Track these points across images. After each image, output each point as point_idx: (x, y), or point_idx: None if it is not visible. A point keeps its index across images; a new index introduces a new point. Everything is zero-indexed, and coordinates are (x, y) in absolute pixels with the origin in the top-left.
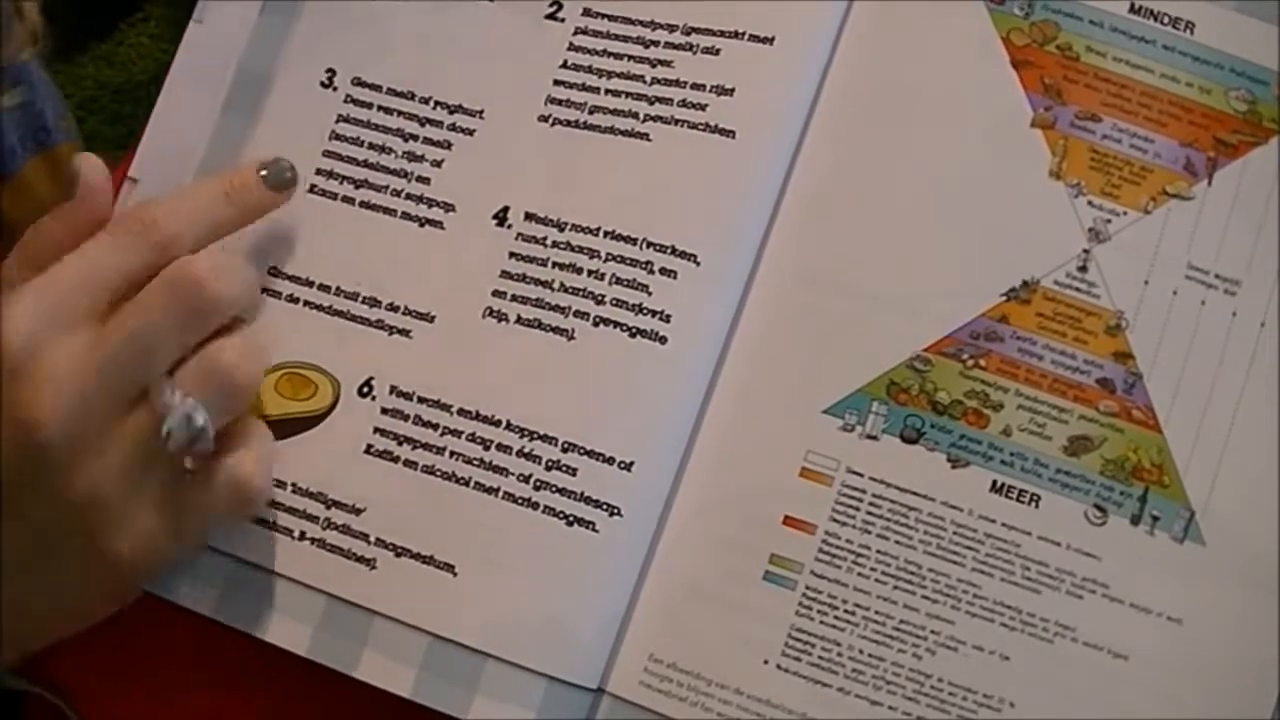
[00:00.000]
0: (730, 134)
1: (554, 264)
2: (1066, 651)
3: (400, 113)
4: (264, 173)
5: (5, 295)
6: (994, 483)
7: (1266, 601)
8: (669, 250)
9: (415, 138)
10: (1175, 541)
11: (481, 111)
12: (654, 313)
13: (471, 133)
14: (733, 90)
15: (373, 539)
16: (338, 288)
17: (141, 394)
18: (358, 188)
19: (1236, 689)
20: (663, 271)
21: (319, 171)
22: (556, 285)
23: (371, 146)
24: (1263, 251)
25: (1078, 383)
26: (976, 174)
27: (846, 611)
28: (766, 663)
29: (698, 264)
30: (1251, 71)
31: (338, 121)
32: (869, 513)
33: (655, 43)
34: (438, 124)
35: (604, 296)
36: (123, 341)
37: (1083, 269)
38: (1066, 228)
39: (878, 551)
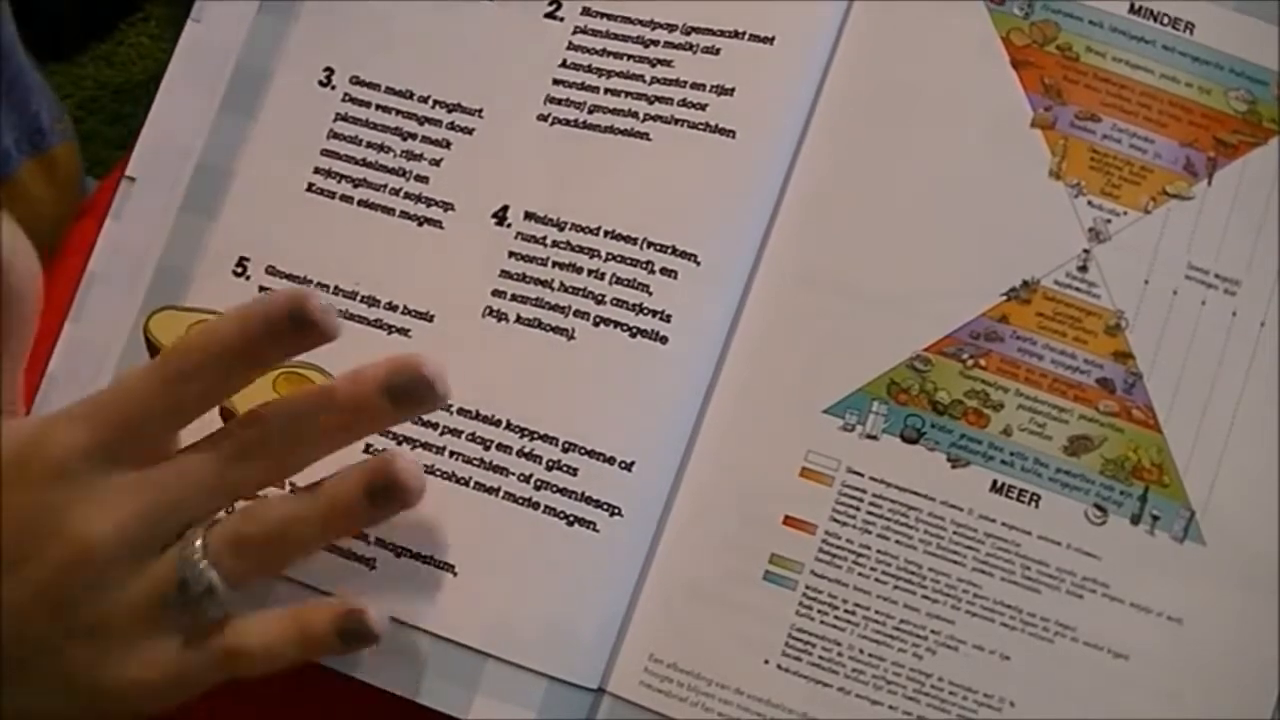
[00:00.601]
0: (730, 134)
1: (554, 263)
2: (1067, 651)
3: (399, 111)
4: (290, 314)
5: (58, 414)
6: (994, 482)
7: (1267, 601)
8: (669, 250)
9: (414, 136)
10: (1175, 541)
11: (480, 110)
12: (654, 312)
13: (470, 131)
14: (733, 90)
15: (372, 539)
16: (336, 287)
17: (168, 544)
18: (356, 186)
19: (1237, 688)
20: (663, 271)
21: (317, 170)
22: (556, 285)
23: (370, 145)
24: (1263, 251)
25: (1078, 382)
26: (976, 174)
27: (847, 611)
28: (767, 663)
29: (698, 264)
30: (1251, 72)
31: (336, 120)
32: (869, 512)
33: (655, 42)
34: (436, 123)
35: (604, 296)
36: (170, 492)
37: (1083, 269)
38: (1066, 227)
39: (878, 551)
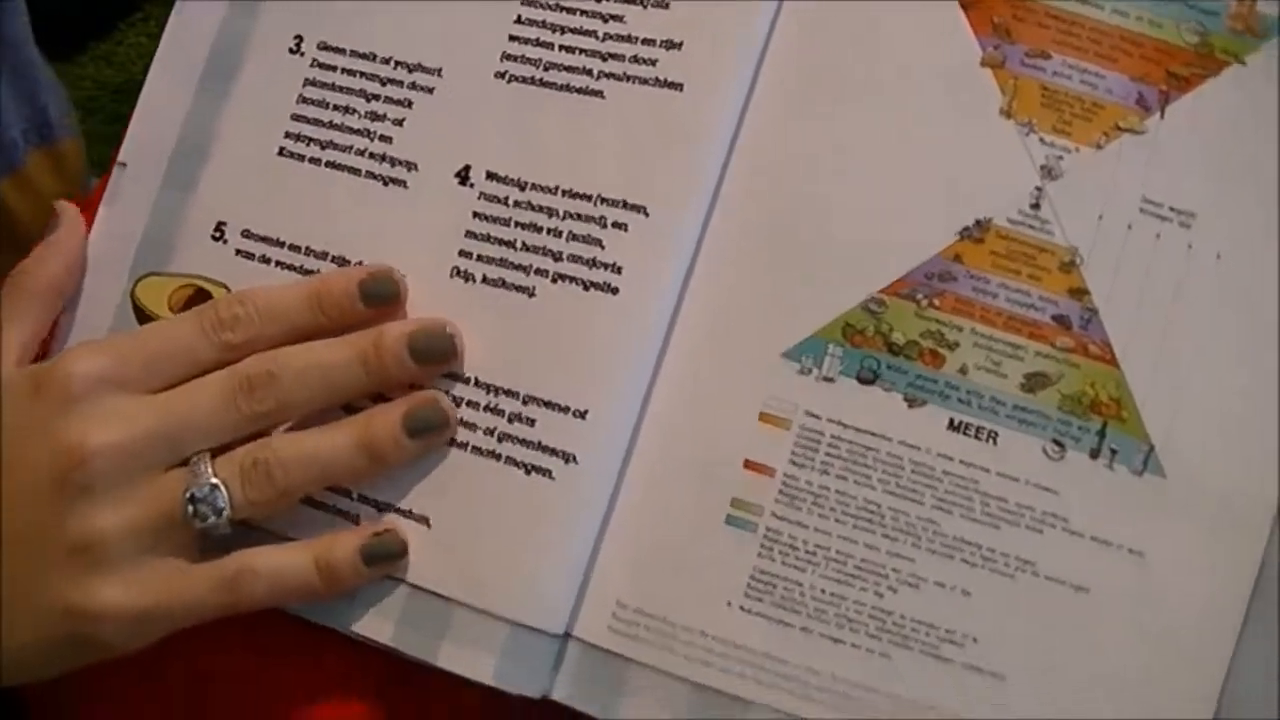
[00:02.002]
0: (678, 87)
1: (516, 224)
2: (1028, 586)
3: (363, 74)
4: (362, 285)
5: (83, 343)
6: (951, 421)
7: (1228, 533)
8: (620, 204)
9: (377, 97)
10: (1135, 475)
11: (440, 70)
12: (606, 265)
13: (431, 91)
14: (681, 44)
15: (355, 495)
16: (307, 248)
17: (176, 464)
18: (324, 149)
19: (1199, 620)
20: (614, 225)
21: (288, 135)
22: (519, 245)
23: (336, 108)
24: (1218, 183)
25: (1033, 320)
26: (927, 115)
27: (808, 552)
28: (730, 604)
29: (647, 215)
30: (1203, 4)
31: (305, 86)
32: (828, 454)
33: None
34: (398, 83)
35: (561, 253)
36: (175, 414)
37: (1035, 206)
38: (1018, 166)
39: (837, 492)
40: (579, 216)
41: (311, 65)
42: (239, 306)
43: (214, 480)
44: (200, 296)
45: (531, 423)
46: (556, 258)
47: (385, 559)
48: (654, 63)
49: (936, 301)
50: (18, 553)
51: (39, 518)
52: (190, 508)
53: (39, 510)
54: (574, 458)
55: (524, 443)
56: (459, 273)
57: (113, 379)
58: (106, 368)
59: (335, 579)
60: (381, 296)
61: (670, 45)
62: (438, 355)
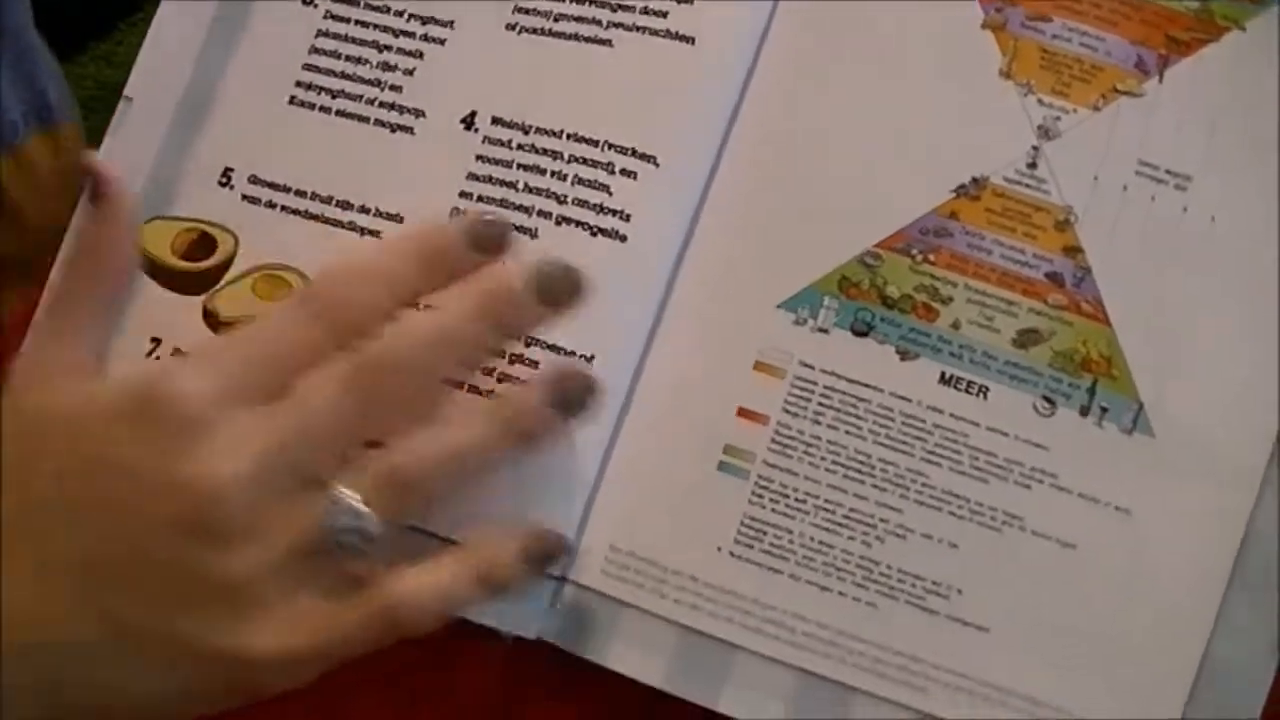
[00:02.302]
0: (690, 40)
1: (519, 165)
2: (1015, 540)
3: (376, 26)
4: (468, 231)
5: (177, 360)
6: (943, 374)
7: (1215, 492)
8: (629, 152)
9: (389, 49)
10: (1124, 433)
11: (452, 22)
12: (614, 212)
13: (442, 42)
14: None
15: None
16: (313, 193)
17: (309, 483)
18: (335, 98)
19: (1185, 578)
20: (623, 172)
21: (299, 84)
22: (521, 186)
23: (349, 59)
24: (1215, 147)
25: (1027, 277)
26: (928, 75)
27: (797, 500)
28: (720, 550)
29: (657, 165)
30: None
31: (317, 36)
32: (820, 404)
33: None
34: (410, 35)
35: (566, 196)
36: (304, 425)
37: (1032, 165)
38: (1016, 126)
39: (828, 442)
40: (585, 161)
41: (325, 17)
42: (343, 284)
43: (358, 507)
44: (204, 240)
45: (535, 366)
46: (560, 200)
47: (546, 559)
48: (665, 15)
49: (931, 257)
50: (148, 598)
51: (170, 559)
52: (336, 539)
53: (169, 551)
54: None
55: None
56: (458, 213)
57: (226, 395)
58: (217, 384)
59: (498, 590)
60: (491, 240)
61: None
62: (566, 293)
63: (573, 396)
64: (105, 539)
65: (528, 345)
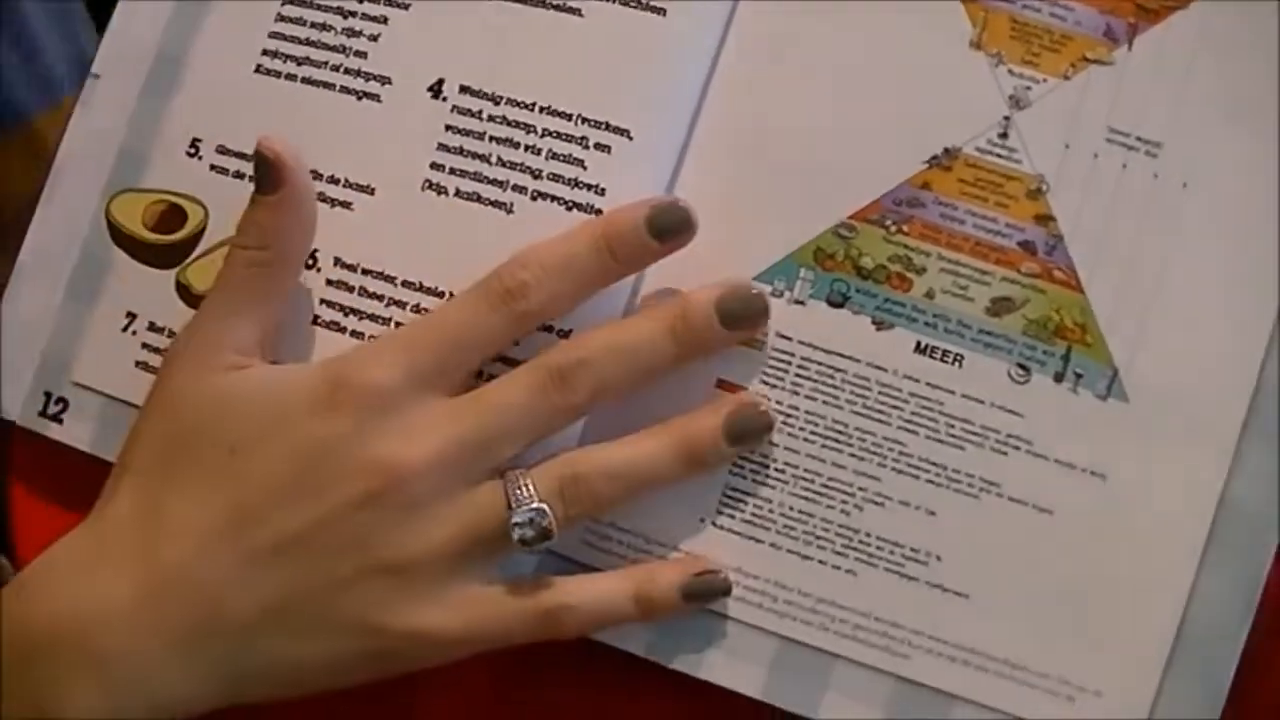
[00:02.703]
0: (661, 11)
1: (491, 138)
2: (992, 506)
3: None
4: (648, 215)
5: (368, 344)
6: (918, 343)
7: (1190, 457)
8: (603, 126)
9: (354, 14)
10: (1099, 399)
11: None
12: (589, 186)
13: (407, 8)
14: None
15: None
16: None
17: (492, 474)
18: (300, 65)
19: (1160, 543)
20: (597, 146)
21: (265, 53)
22: (494, 159)
23: (314, 25)
24: (1185, 114)
25: (1000, 246)
26: (898, 47)
27: (777, 470)
28: (702, 520)
29: (630, 139)
30: None
31: (283, 4)
32: (798, 375)
33: None
34: (375, 0)
35: (541, 171)
36: (488, 417)
37: (1003, 135)
38: (987, 96)
39: (806, 412)
40: (559, 135)
41: None
42: (523, 271)
43: (540, 505)
44: (174, 212)
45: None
46: (535, 175)
47: (708, 597)
48: None
49: (905, 227)
50: (322, 568)
51: (353, 534)
52: (516, 531)
53: (353, 526)
54: None
55: (508, 361)
56: (431, 185)
57: (415, 380)
58: (406, 370)
59: (652, 614)
60: (673, 228)
61: None
62: (750, 317)
63: (748, 431)
64: (296, 512)
65: None
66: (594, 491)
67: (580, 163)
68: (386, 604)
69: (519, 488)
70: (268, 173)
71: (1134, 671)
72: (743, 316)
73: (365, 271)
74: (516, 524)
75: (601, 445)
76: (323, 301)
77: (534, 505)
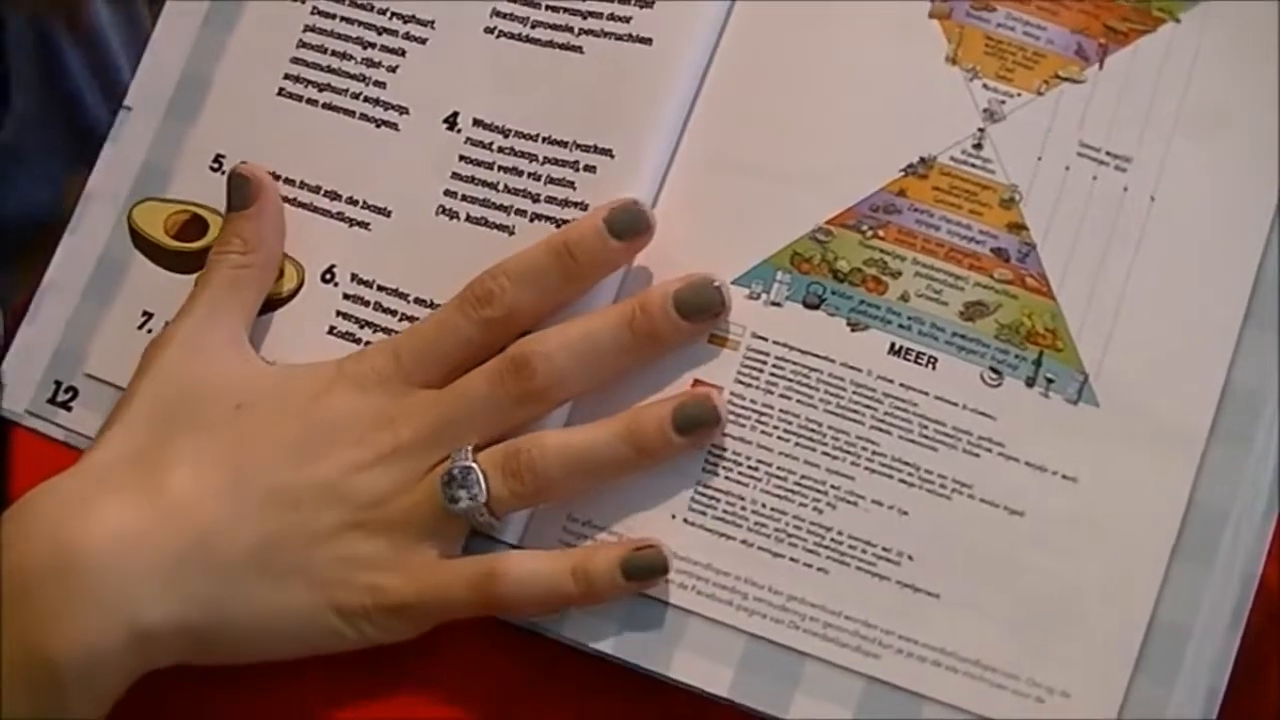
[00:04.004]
0: (648, 41)
1: (499, 167)
2: (964, 507)
3: (360, 23)
4: (606, 218)
5: (383, 341)
6: (892, 345)
7: (1159, 460)
8: (590, 148)
9: (373, 45)
10: (1069, 403)
11: (433, 22)
12: (576, 204)
13: (424, 42)
14: (653, 3)
15: None
16: (302, 181)
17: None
18: (321, 91)
19: (1130, 545)
20: (585, 168)
21: (287, 76)
22: (501, 186)
23: (334, 54)
24: (1153, 131)
25: (973, 251)
26: (877, 62)
27: (750, 468)
28: (674, 517)
29: (613, 157)
30: None
31: (305, 32)
32: (773, 374)
33: None
34: (393, 33)
35: (539, 195)
36: (454, 404)
37: (978, 146)
38: (962, 109)
39: (780, 411)
40: (555, 161)
41: (312, 13)
42: (490, 280)
43: (468, 462)
44: (195, 222)
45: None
46: (534, 199)
47: (647, 574)
48: (628, 20)
49: (880, 232)
50: (306, 520)
51: (336, 495)
52: (446, 491)
53: (337, 489)
54: None
55: None
56: (444, 211)
57: (400, 375)
58: (394, 366)
59: (592, 591)
60: (631, 228)
61: (643, 4)
62: (706, 309)
63: (695, 421)
64: (295, 468)
65: None
66: (534, 466)
67: (571, 184)
68: (355, 560)
69: (458, 462)
70: (246, 189)
71: (1102, 673)
72: (699, 307)
73: (381, 288)
74: (446, 481)
75: (552, 430)
76: (339, 314)
77: (463, 464)
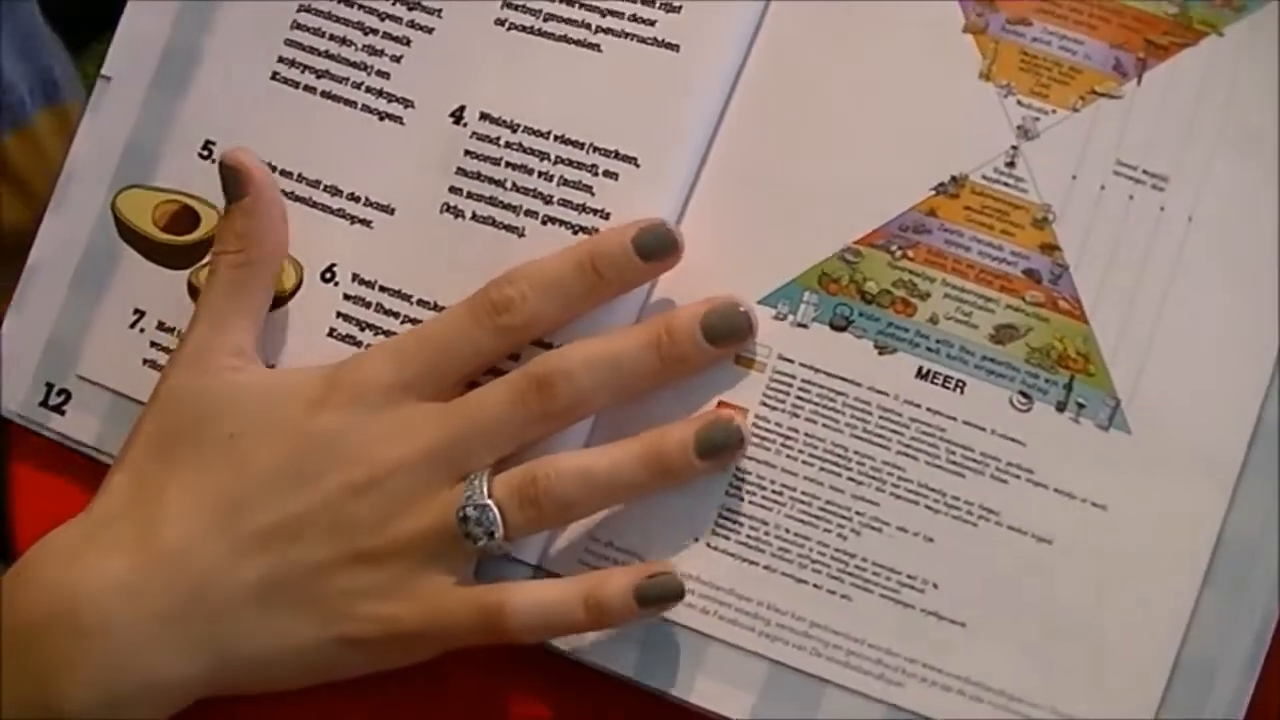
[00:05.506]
0: (675, 48)
1: (507, 164)
2: (990, 534)
3: (361, 6)
4: (635, 237)
5: (373, 348)
6: (920, 369)
7: (1190, 489)
8: (612, 154)
9: (375, 32)
10: (1100, 429)
11: (440, 11)
12: (595, 211)
13: (430, 31)
14: (679, 8)
15: None
16: (300, 174)
17: (463, 477)
18: (319, 78)
19: (1160, 575)
20: (605, 174)
21: (281, 60)
22: (509, 184)
23: (332, 39)
24: (1192, 149)
25: (1004, 273)
26: (909, 78)
27: (774, 492)
28: (697, 540)
29: (638, 166)
30: None
31: (299, 11)
32: (798, 397)
33: None
34: (397, 20)
35: (552, 196)
36: (467, 422)
37: (1011, 165)
38: (995, 126)
39: (806, 434)
40: (570, 162)
41: None
42: (509, 287)
43: (486, 501)
44: (186, 213)
45: (516, 358)
46: (547, 200)
47: (661, 600)
48: (653, 23)
49: (910, 253)
50: (304, 554)
51: (332, 523)
52: (463, 527)
53: (333, 517)
54: None
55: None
56: (449, 208)
57: (403, 386)
58: (396, 375)
59: (604, 618)
60: (659, 250)
61: (669, 8)
62: (734, 334)
63: (718, 445)
64: (286, 499)
65: None
66: (553, 493)
67: (589, 189)
68: (360, 591)
69: (474, 488)
70: (236, 180)
71: (1129, 704)
72: (727, 332)
73: (383, 289)
74: (462, 519)
75: (571, 452)
76: (339, 315)
77: (480, 503)
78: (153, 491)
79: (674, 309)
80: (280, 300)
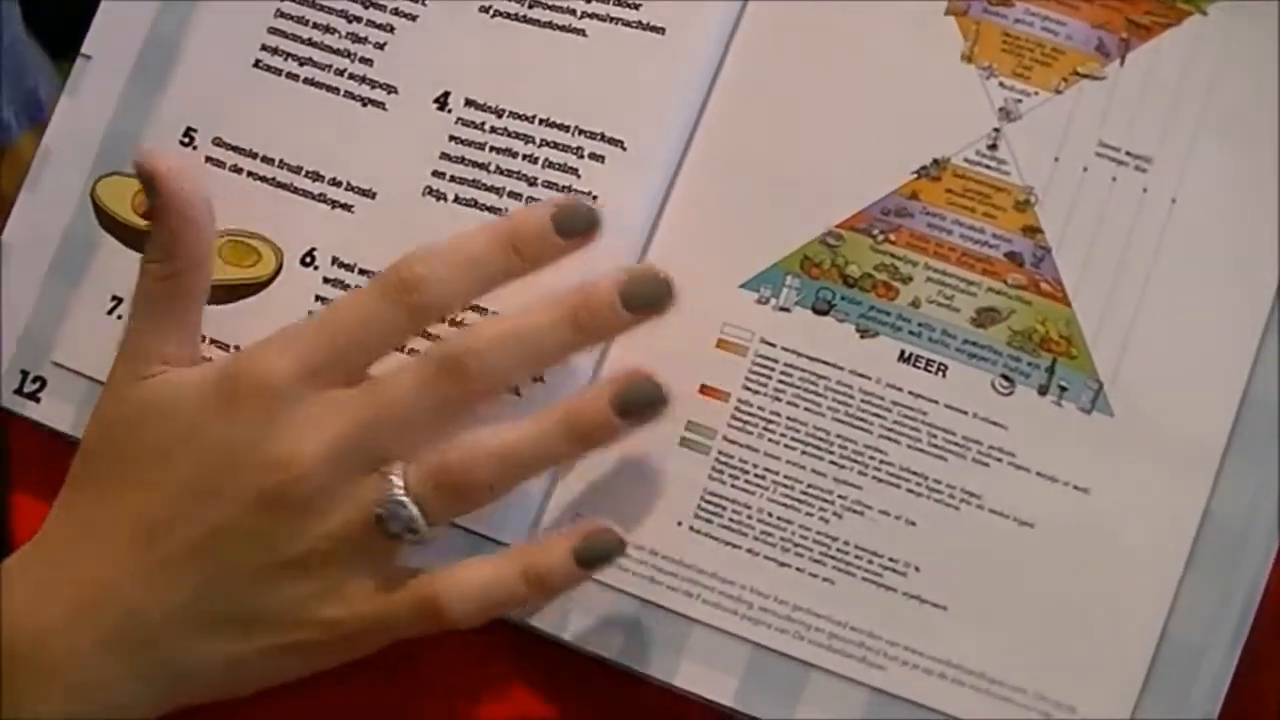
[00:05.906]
0: (660, 30)
1: (491, 148)
2: (972, 518)
3: None
4: (554, 215)
5: (264, 341)
6: (902, 352)
7: (1173, 472)
8: (598, 137)
9: (359, 19)
10: (1083, 412)
11: None
12: (581, 194)
13: (414, 18)
14: None
15: None
16: (281, 160)
17: (377, 468)
18: (302, 65)
19: (1142, 558)
20: (591, 156)
21: (264, 48)
22: (493, 168)
23: (316, 26)
24: (1175, 130)
25: (986, 256)
26: (890, 60)
27: (757, 476)
28: (680, 524)
29: (624, 149)
30: None
31: (283, 0)
32: (781, 381)
33: None
34: (381, 7)
35: (536, 179)
36: (376, 409)
37: (993, 147)
38: (977, 108)
39: (788, 418)
40: (556, 145)
41: None
42: (421, 265)
43: (402, 497)
44: None
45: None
46: (531, 182)
47: (602, 560)
48: (638, 7)
49: (892, 236)
50: (228, 568)
51: (250, 533)
52: (381, 527)
53: (251, 526)
54: (541, 377)
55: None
56: (431, 191)
57: (308, 375)
58: (301, 364)
59: (546, 587)
60: (578, 227)
61: None
62: (653, 302)
63: (638, 402)
64: (200, 516)
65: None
66: (470, 476)
67: (574, 171)
68: (293, 600)
69: (389, 480)
70: (148, 185)
71: (1111, 688)
72: (646, 300)
73: (363, 272)
74: (379, 519)
75: (484, 429)
76: (319, 299)
77: (397, 499)
78: (84, 517)
79: (588, 281)
80: (260, 285)
